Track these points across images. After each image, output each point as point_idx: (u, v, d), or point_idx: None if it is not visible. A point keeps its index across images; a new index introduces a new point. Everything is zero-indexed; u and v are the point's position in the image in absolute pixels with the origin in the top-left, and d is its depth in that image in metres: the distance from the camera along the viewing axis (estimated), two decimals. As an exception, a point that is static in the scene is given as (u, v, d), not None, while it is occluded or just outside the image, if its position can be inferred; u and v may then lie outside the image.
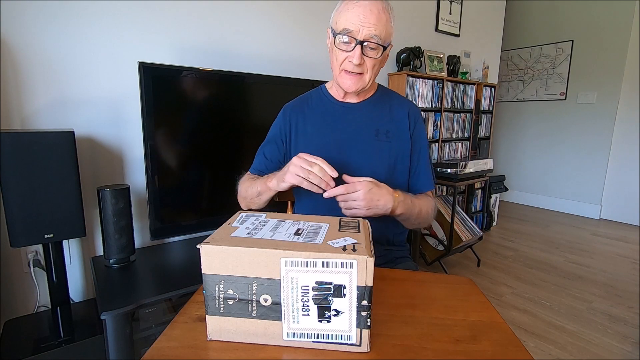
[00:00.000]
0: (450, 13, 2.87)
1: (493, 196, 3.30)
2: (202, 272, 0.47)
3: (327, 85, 1.00)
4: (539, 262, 2.59)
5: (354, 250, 0.45)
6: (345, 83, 0.86)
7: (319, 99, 0.98)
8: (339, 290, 0.46)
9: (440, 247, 2.37)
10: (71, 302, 1.36)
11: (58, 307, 1.26)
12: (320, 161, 0.74)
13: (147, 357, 0.46)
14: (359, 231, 0.53)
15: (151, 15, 1.50)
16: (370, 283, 0.45)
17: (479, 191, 3.24)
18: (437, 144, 2.81)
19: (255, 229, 0.53)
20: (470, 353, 0.48)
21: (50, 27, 1.29)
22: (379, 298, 0.61)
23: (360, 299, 0.45)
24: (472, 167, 2.46)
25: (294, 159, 0.76)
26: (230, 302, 0.48)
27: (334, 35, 0.83)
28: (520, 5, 4.15)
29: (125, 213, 1.29)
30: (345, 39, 0.80)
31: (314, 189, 0.75)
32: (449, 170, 2.41)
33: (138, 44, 1.48)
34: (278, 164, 0.99)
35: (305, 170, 0.74)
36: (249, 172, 1.02)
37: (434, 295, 0.64)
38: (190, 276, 1.26)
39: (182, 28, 1.58)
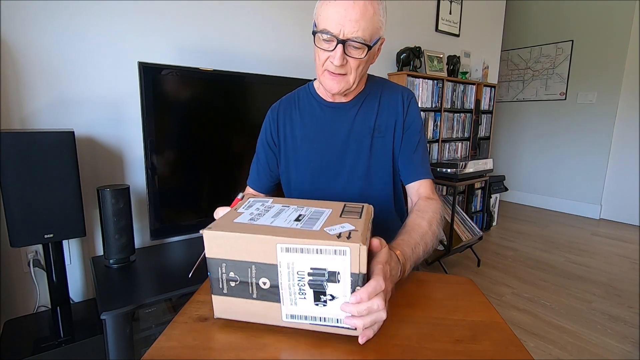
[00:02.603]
0: (450, 13, 2.87)
1: (493, 196, 3.30)
2: (206, 255, 0.50)
3: (315, 84, 0.92)
4: (539, 262, 2.59)
5: (348, 237, 0.46)
6: (327, 84, 0.79)
7: (307, 100, 0.92)
8: (333, 276, 0.46)
9: (440, 247, 2.37)
10: (71, 302, 1.36)
11: (58, 307, 1.26)
12: None
13: (147, 357, 0.46)
14: (360, 217, 0.53)
15: (151, 15, 1.50)
16: (363, 270, 0.45)
17: (479, 191, 3.24)
18: (437, 144, 2.81)
19: (259, 214, 0.54)
20: (470, 353, 0.48)
21: (50, 27, 1.29)
22: (379, 298, 0.61)
23: (354, 285, 0.46)
24: (472, 167, 2.46)
25: None
26: (232, 283, 0.50)
27: (314, 33, 0.75)
28: (520, 5, 4.15)
29: (125, 213, 1.29)
30: (325, 37, 0.72)
31: None
32: (449, 170, 2.40)
33: (138, 44, 1.48)
34: (277, 171, 0.96)
35: None
36: (248, 187, 0.97)
37: (434, 295, 0.64)
38: (190, 276, 1.26)
39: (182, 28, 1.58)
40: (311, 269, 0.46)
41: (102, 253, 1.38)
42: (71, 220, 1.16)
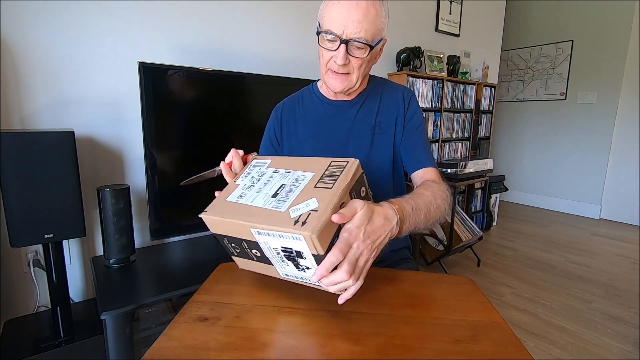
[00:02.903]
0: (450, 13, 2.87)
1: (493, 196, 3.30)
2: (211, 231, 0.60)
3: (319, 84, 0.96)
4: (539, 262, 2.59)
5: (304, 223, 0.47)
6: (331, 83, 0.82)
7: (310, 98, 0.95)
8: (300, 254, 0.50)
9: (440, 247, 2.37)
10: (71, 302, 1.36)
11: (58, 307, 1.26)
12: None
13: (147, 357, 0.46)
14: (332, 186, 0.52)
15: (151, 15, 1.50)
16: (321, 252, 0.47)
17: (479, 191, 3.24)
18: (437, 144, 2.81)
19: (250, 187, 0.60)
20: (470, 353, 0.48)
21: (50, 27, 1.29)
22: (379, 298, 0.61)
23: (318, 261, 0.49)
24: (472, 167, 2.46)
25: None
26: (237, 250, 0.61)
27: (318, 33, 0.78)
28: (520, 5, 4.15)
29: (125, 213, 1.29)
30: (329, 37, 0.75)
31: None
32: (449, 170, 2.40)
33: (138, 44, 1.48)
34: None
35: None
36: None
37: (434, 295, 0.64)
38: (190, 276, 1.26)
39: (182, 28, 1.58)
40: (281, 247, 0.51)
41: (102, 253, 1.38)
42: (71, 220, 1.16)
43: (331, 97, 0.92)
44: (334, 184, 0.53)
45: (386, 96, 0.92)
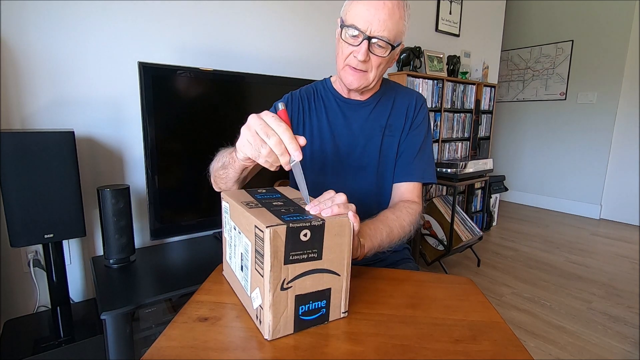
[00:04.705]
0: (450, 13, 2.87)
1: (493, 196, 3.30)
2: None
3: (332, 79, 0.95)
4: (539, 262, 2.59)
5: (261, 321, 0.50)
6: (347, 79, 0.82)
7: (325, 93, 0.94)
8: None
9: (440, 247, 2.37)
10: (71, 302, 1.36)
11: (58, 307, 1.26)
12: (281, 129, 0.53)
13: (147, 357, 0.46)
14: (262, 272, 0.48)
15: (151, 15, 1.50)
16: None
17: (479, 191, 3.24)
18: (437, 144, 2.81)
19: (229, 245, 0.62)
20: (470, 353, 0.48)
21: (50, 27, 1.29)
22: (379, 298, 0.61)
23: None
24: (472, 167, 2.46)
25: (250, 119, 0.55)
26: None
27: (342, 26, 0.78)
28: (520, 5, 4.15)
29: (125, 213, 1.29)
30: (353, 32, 0.75)
31: (269, 167, 0.57)
32: (449, 170, 2.40)
33: (138, 44, 1.48)
34: None
35: (259, 140, 0.54)
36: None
37: (434, 295, 0.64)
38: (190, 276, 1.26)
39: (182, 28, 1.58)
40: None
41: (102, 253, 1.38)
42: (71, 220, 1.16)
43: (345, 94, 0.92)
44: (262, 268, 0.48)
45: (399, 99, 0.93)
